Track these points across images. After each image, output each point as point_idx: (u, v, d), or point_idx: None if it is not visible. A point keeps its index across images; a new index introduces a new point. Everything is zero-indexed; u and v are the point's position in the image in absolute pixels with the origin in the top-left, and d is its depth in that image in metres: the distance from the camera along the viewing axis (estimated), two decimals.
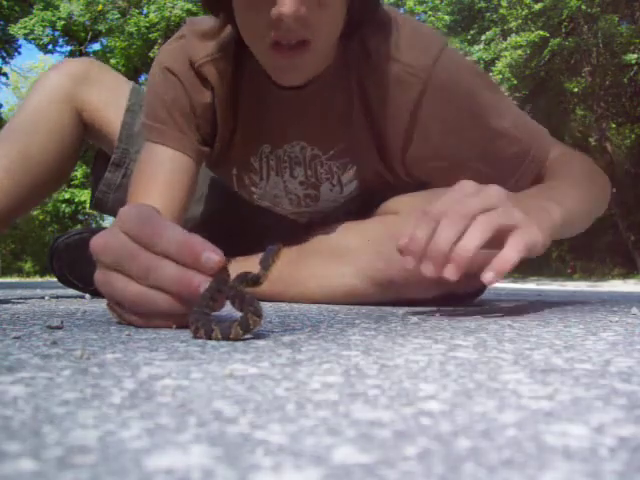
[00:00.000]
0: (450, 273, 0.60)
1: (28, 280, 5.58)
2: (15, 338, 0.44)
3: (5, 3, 12.91)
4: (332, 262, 0.85)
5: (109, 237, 0.53)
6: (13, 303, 0.87)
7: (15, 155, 1.03)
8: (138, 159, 0.92)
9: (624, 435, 0.21)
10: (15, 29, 13.14)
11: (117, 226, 0.53)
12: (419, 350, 0.40)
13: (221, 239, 1.06)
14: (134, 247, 0.51)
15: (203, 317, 0.46)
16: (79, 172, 14.46)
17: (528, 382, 0.30)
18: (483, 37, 12.21)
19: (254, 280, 0.53)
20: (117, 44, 13.92)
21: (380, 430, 0.21)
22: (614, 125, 12.81)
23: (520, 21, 11.33)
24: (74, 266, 1.05)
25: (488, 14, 12.54)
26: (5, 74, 14.38)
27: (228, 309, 0.51)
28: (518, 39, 11.12)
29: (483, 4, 12.59)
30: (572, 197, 0.79)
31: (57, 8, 13.53)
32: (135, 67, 14.26)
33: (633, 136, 13.00)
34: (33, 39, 13.45)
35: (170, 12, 12.71)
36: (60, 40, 14.28)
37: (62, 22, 13.42)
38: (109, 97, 1.11)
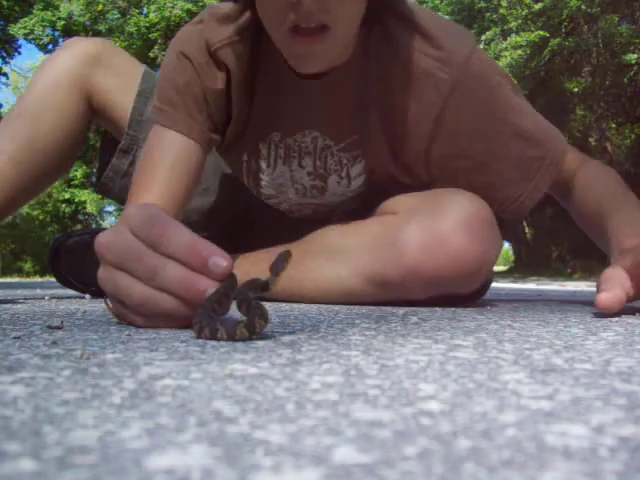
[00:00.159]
0: None
1: (28, 280, 5.58)
2: (15, 338, 0.44)
3: (5, 3, 12.91)
4: (329, 262, 0.85)
5: (115, 236, 0.53)
6: (13, 303, 0.87)
7: (21, 143, 1.00)
8: (146, 142, 0.90)
9: (624, 435, 0.21)
10: (15, 29, 13.14)
11: (124, 225, 0.53)
12: (419, 350, 0.40)
13: (224, 233, 1.05)
14: (141, 247, 0.51)
15: (207, 318, 0.46)
16: (79, 172, 14.46)
17: (528, 382, 0.30)
18: (483, 37, 12.20)
19: (263, 286, 0.53)
20: (117, 44, 13.93)
21: (380, 430, 0.21)
22: (614, 125, 12.81)
23: (520, 21, 11.32)
24: (75, 268, 1.05)
25: (488, 14, 12.53)
26: (5, 74, 14.38)
27: (230, 312, 0.51)
28: (518, 39, 11.12)
29: (483, 4, 12.58)
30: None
31: (57, 8, 13.53)
32: None
33: (633, 136, 13.00)
34: (33, 39, 13.45)
35: (170, 12, 12.70)
36: (60, 40, 14.27)
37: (62, 22, 13.42)
38: (120, 81, 1.08)
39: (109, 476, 0.16)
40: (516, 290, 2.54)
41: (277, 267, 0.54)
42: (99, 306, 0.81)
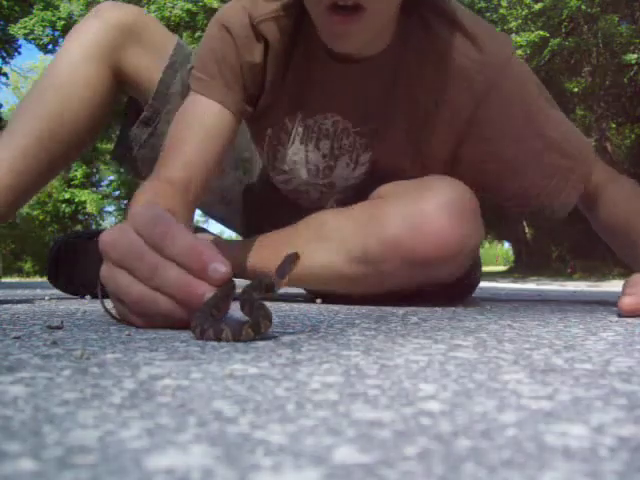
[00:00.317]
0: None
1: (28, 280, 5.58)
2: (15, 338, 0.44)
3: (5, 3, 12.91)
4: (315, 241, 0.86)
5: (119, 234, 0.53)
6: (13, 303, 0.87)
7: (50, 119, 0.97)
8: (180, 108, 0.90)
9: (624, 435, 0.21)
10: (15, 29, 13.14)
11: (129, 224, 0.53)
12: (419, 350, 0.40)
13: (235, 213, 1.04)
14: (143, 247, 0.51)
15: (209, 319, 0.46)
16: (79, 172, 14.46)
17: (528, 382, 0.30)
18: None
19: (269, 287, 0.53)
20: None
21: (380, 430, 0.21)
22: (614, 125, 12.80)
23: (520, 21, 11.32)
24: (74, 272, 1.04)
25: (488, 14, 12.52)
26: (5, 74, 14.39)
27: (229, 313, 0.51)
28: (518, 39, 11.11)
29: (483, 4, 12.57)
30: None
31: (57, 8, 13.53)
32: None
33: (633, 136, 13.00)
34: (33, 39, 13.45)
35: (170, 12, 12.70)
36: (60, 40, 14.27)
37: (62, 22, 13.41)
38: (152, 55, 1.05)
39: (109, 476, 0.16)
40: (516, 290, 2.54)
41: (283, 269, 0.54)
42: (99, 306, 0.81)
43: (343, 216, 0.86)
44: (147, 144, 1.09)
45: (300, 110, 0.93)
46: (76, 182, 14.43)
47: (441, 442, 0.20)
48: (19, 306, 0.81)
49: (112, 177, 17.66)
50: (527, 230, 14.55)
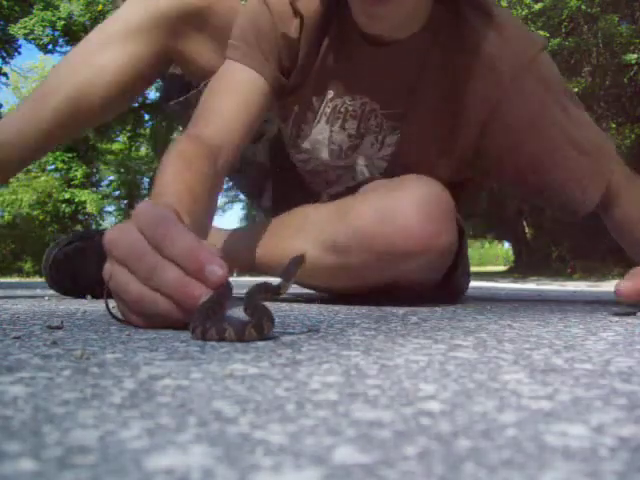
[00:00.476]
0: None
1: (28, 280, 5.58)
2: (15, 338, 0.44)
3: (5, 3, 12.89)
4: (295, 232, 0.88)
5: (122, 232, 0.53)
6: (13, 303, 0.87)
7: (89, 74, 1.00)
8: (215, 75, 0.91)
9: (624, 435, 0.21)
10: (15, 29, 13.14)
11: (133, 222, 0.53)
12: (419, 350, 0.40)
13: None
14: (143, 246, 0.51)
15: (213, 318, 0.46)
16: (79, 172, 14.46)
17: (528, 382, 0.30)
18: None
19: (274, 290, 0.54)
20: None
21: (380, 430, 0.21)
22: (614, 125, 12.81)
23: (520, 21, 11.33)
24: (75, 275, 1.04)
25: None
26: (5, 74, 14.37)
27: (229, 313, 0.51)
28: None
29: None
30: None
31: (57, 8, 13.53)
32: None
33: (633, 136, 13.00)
34: (33, 39, 13.45)
35: None
36: (60, 40, 14.27)
37: (62, 22, 13.41)
38: (212, 44, 1.02)
39: (109, 476, 0.16)
40: (516, 290, 2.54)
41: (289, 272, 0.54)
42: (99, 306, 0.81)
43: (323, 209, 0.88)
44: (182, 119, 1.08)
45: (328, 90, 0.94)
46: (76, 182, 14.41)
47: (441, 442, 0.20)
48: (19, 306, 0.81)
49: (112, 177, 17.66)
50: (527, 230, 14.54)
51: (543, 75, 0.88)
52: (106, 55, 1.01)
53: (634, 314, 0.72)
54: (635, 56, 10.18)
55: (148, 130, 15.24)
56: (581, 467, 0.17)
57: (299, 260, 0.55)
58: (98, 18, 13.43)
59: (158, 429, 0.21)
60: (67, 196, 14.40)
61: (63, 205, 14.58)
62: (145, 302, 0.51)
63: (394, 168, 0.93)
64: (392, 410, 0.24)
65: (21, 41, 13.81)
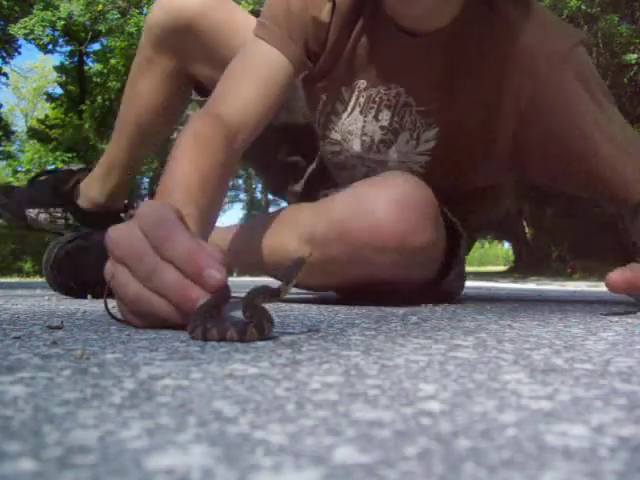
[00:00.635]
0: None
1: (28, 280, 5.58)
2: (15, 338, 0.44)
3: (5, 3, 12.90)
4: (280, 228, 0.89)
5: (124, 231, 0.53)
6: (13, 303, 0.87)
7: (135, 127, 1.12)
8: (239, 52, 0.91)
9: (624, 435, 0.21)
10: (15, 29, 13.13)
11: (135, 222, 0.53)
12: (419, 350, 0.40)
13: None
14: (144, 247, 0.51)
15: (214, 317, 0.46)
16: None
17: (528, 382, 0.30)
18: None
19: (273, 293, 0.53)
20: (117, 44, 13.91)
21: (380, 430, 0.21)
22: None
23: None
24: (77, 273, 1.04)
25: None
26: (5, 74, 14.38)
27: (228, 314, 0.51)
28: None
29: None
30: None
31: (57, 8, 13.52)
32: None
33: None
34: (33, 39, 13.44)
35: None
36: (60, 40, 14.28)
37: (62, 22, 13.40)
38: (218, 64, 1.01)
39: (109, 476, 0.16)
40: (516, 290, 2.53)
41: (289, 275, 0.54)
42: (99, 306, 0.81)
43: (308, 205, 0.89)
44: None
45: (363, 79, 0.94)
46: None
47: (441, 442, 0.20)
48: (19, 306, 0.81)
49: None
50: (527, 230, 14.54)
51: (580, 69, 0.87)
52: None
53: (634, 314, 0.72)
54: (635, 56, 10.18)
55: None
56: (581, 467, 0.17)
57: (299, 263, 0.55)
58: (98, 18, 13.44)
59: (158, 429, 0.21)
60: None
61: None
62: (143, 303, 0.51)
63: (436, 162, 0.93)
64: (392, 410, 0.24)
65: (21, 41, 13.83)
